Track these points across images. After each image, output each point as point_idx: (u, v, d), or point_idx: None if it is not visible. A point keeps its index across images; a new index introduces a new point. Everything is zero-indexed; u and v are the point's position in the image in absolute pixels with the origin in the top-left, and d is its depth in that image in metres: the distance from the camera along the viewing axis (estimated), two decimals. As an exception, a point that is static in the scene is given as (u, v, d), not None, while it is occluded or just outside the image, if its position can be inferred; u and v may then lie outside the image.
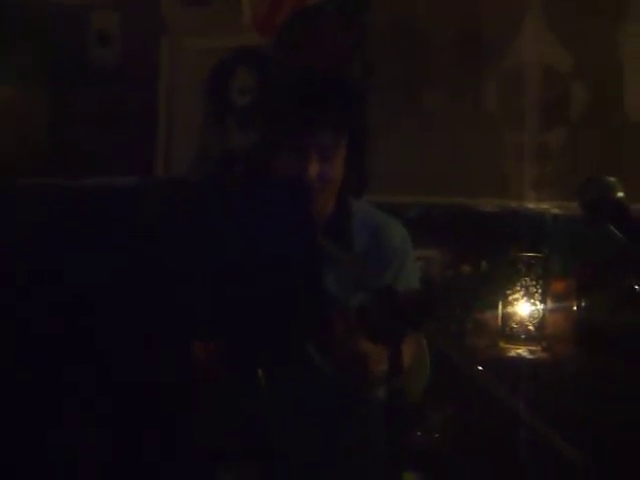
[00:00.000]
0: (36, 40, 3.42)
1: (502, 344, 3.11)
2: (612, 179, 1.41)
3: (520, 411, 1.68)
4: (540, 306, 3.10)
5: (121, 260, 1.43)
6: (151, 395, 1.62)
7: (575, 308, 3.09)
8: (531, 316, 3.10)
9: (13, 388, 1.46)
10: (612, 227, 1.37)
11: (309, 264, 1.48)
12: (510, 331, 3.11)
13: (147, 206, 1.40)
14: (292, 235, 1.47)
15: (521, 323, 3.11)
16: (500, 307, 3.13)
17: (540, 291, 3.10)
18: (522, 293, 3.10)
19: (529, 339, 3.09)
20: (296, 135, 1.91)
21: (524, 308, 3.11)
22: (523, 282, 3.10)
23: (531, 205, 3.29)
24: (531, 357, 3.05)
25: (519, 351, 3.08)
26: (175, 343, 1.60)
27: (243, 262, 1.47)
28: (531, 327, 3.10)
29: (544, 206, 3.26)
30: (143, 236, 1.41)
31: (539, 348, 3.08)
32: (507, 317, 3.11)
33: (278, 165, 1.94)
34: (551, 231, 3.21)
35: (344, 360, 1.80)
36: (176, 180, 2.19)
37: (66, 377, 1.45)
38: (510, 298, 3.11)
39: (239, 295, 1.52)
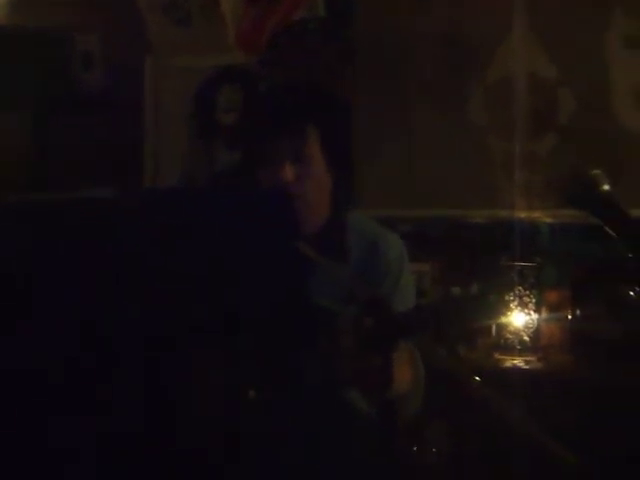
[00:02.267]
0: (20, 65, 3.40)
1: (497, 355, 3.08)
2: (597, 172, 1.38)
3: (518, 421, 1.65)
4: (534, 316, 3.08)
5: (103, 271, 1.40)
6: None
7: (570, 317, 3.06)
8: (526, 326, 3.08)
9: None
10: (601, 222, 1.34)
11: (290, 274, 1.46)
12: (505, 342, 3.09)
13: (124, 216, 1.37)
14: (272, 246, 1.44)
15: (516, 333, 3.08)
16: (494, 318, 3.10)
17: (534, 301, 3.08)
18: (515, 303, 3.08)
19: (524, 349, 3.07)
20: (267, 145, 1.92)
21: (518, 318, 3.08)
22: (517, 292, 3.08)
23: (522, 214, 3.27)
24: (527, 367, 3.02)
25: (514, 362, 3.05)
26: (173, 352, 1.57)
27: (224, 274, 1.44)
28: (526, 337, 3.08)
29: (535, 215, 3.24)
30: (122, 249, 1.38)
31: (535, 358, 3.05)
32: (501, 327, 3.09)
33: (260, 178, 1.94)
34: (543, 240, 3.19)
35: (334, 373, 1.77)
36: (152, 190, 2.18)
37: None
38: (503, 309, 3.09)
39: (223, 309, 1.49)
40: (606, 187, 1.35)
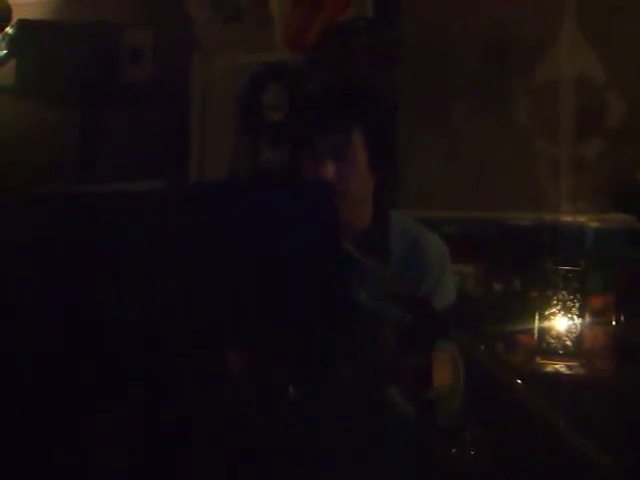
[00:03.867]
0: (69, 58, 3.45)
1: (539, 359, 3.04)
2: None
3: (558, 426, 1.64)
4: (578, 321, 3.04)
5: (143, 266, 1.42)
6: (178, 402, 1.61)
7: (614, 323, 3.02)
8: (568, 331, 3.04)
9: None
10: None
11: (331, 270, 1.46)
12: (547, 346, 3.05)
13: (166, 211, 1.39)
14: (314, 240, 1.44)
15: (558, 338, 3.05)
16: (536, 321, 3.07)
17: (577, 305, 3.04)
18: (559, 307, 3.04)
19: (566, 354, 3.03)
20: (312, 141, 1.93)
21: (561, 323, 3.04)
22: (560, 296, 3.04)
23: (568, 218, 3.24)
24: (569, 373, 2.99)
25: (556, 367, 3.01)
26: (205, 352, 1.58)
27: (265, 269, 1.45)
28: (569, 342, 3.04)
29: (581, 219, 3.21)
30: (163, 241, 1.40)
31: (577, 364, 3.01)
32: (544, 332, 3.05)
33: (304, 175, 1.95)
34: (589, 244, 3.15)
35: (376, 373, 1.78)
36: (197, 184, 2.19)
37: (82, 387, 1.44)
38: (547, 312, 3.06)
39: (262, 304, 1.50)
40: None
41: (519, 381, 1.51)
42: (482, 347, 2.22)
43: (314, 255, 1.49)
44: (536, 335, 3.07)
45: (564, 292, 3.04)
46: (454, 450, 2.84)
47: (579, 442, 1.49)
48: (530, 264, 3.14)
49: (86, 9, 3.70)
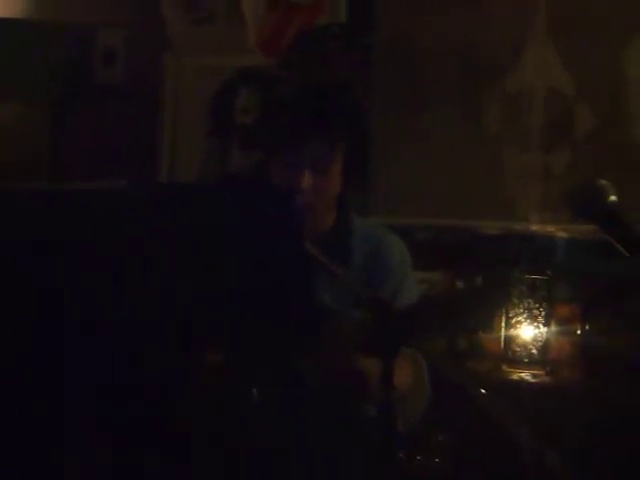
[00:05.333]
0: (41, 58, 3.42)
1: (504, 367, 3.06)
2: (605, 182, 1.37)
3: (522, 435, 1.64)
4: (544, 329, 3.06)
5: (110, 266, 1.40)
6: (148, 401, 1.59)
7: (579, 332, 3.04)
8: (534, 339, 3.06)
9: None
10: (605, 233, 1.33)
11: (296, 275, 1.46)
12: (513, 354, 3.07)
13: (134, 209, 1.38)
14: (279, 246, 1.44)
15: (524, 346, 3.06)
16: (503, 330, 3.08)
17: (544, 314, 3.06)
18: (525, 316, 3.06)
19: (532, 363, 3.05)
20: (290, 148, 1.90)
21: (527, 331, 3.06)
22: (526, 304, 3.06)
23: (536, 228, 3.26)
24: (534, 381, 3.00)
25: (522, 375, 3.03)
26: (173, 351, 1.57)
27: (229, 271, 1.44)
28: (534, 350, 3.06)
29: (549, 229, 3.23)
30: (131, 241, 1.38)
31: (542, 372, 3.03)
32: (510, 340, 3.07)
33: (277, 181, 1.93)
34: (556, 254, 3.17)
35: (337, 375, 1.78)
36: (163, 184, 2.18)
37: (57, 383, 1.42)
38: (513, 321, 3.07)
39: (225, 305, 1.49)
40: (613, 198, 1.34)
41: (483, 391, 1.51)
42: (446, 354, 2.22)
43: (277, 257, 1.48)
44: (502, 343, 3.09)
45: (530, 300, 3.06)
46: (419, 457, 2.84)
47: (542, 451, 1.49)
48: (498, 272, 3.16)
49: (58, 9, 3.67)
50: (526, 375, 3.03)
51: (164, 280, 1.44)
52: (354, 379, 1.74)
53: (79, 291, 1.42)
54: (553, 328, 3.07)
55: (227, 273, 1.47)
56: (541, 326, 3.06)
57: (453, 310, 3.00)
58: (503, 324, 3.08)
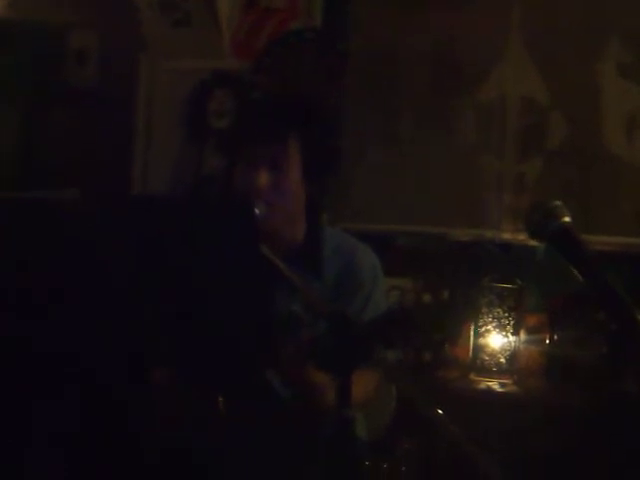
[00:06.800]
0: (10, 57, 3.39)
1: (472, 376, 3.06)
2: (557, 203, 1.37)
3: (478, 457, 1.63)
4: (512, 338, 3.06)
5: (64, 277, 1.39)
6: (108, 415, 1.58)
7: (547, 341, 3.05)
8: (503, 348, 3.06)
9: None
10: (559, 255, 1.33)
11: (253, 285, 1.45)
12: (481, 363, 3.07)
13: (85, 220, 1.36)
14: (236, 254, 1.43)
15: (492, 355, 3.06)
16: (471, 338, 3.08)
17: (512, 323, 3.06)
18: (494, 324, 3.06)
19: (500, 372, 3.05)
20: (247, 149, 1.94)
21: (496, 340, 3.06)
22: (495, 313, 3.06)
23: (507, 236, 3.26)
24: (501, 390, 3.01)
25: (489, 384, 3.03)
26: (130, 367, 1.56)
27: (186, 283, 1.43)
28: (502, 359, 3.06)
29: (520, 237, 3.23)
30: (84, 251, 1.37)
31: (510, 381, 3.04)
32: (478, 349, 3.07)
33: (238, 183, 1.94)
34: (526, 263, 3.17)
35: (295, 388, 1.77)
36: (118, 194, 2.16)
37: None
38: (482, 329, 3.07)
39: (188, 318, 1.48)
40: (567, 219, 1.34)
41: (440, 411, 1.50)
42: (405, 371, 2.21)
43: (235, 268, 1.47)
44: (471, 352, 3.09)
45: (499, 309, 3.06)
46: (385, 465, 2.84)
47: (481, 460, 1.48)
48: (467, 280, 3.16)
49: (31, 7, 3.64)
50: (494, 384, 3.03)
51: (115, 292, 1.43)
52: (310, 391, 1.74)
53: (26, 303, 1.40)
54: (522, 337, 3.07)
55: (183, 285, 1.46)
56: (510, 335, 3.06)
57: (419, 325, 3.01)
58: (472, 332, 3.09)
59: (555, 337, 3.02)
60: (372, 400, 1.90)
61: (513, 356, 3.06)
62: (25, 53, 3.44)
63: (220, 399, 1.86)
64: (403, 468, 2.90)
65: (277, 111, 1.99)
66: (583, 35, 3.23)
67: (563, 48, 3.24)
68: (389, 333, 1.61)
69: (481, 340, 3.06)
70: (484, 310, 3.06)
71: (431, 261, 3.29)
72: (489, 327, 3.07)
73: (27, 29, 3.50)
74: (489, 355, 3.07)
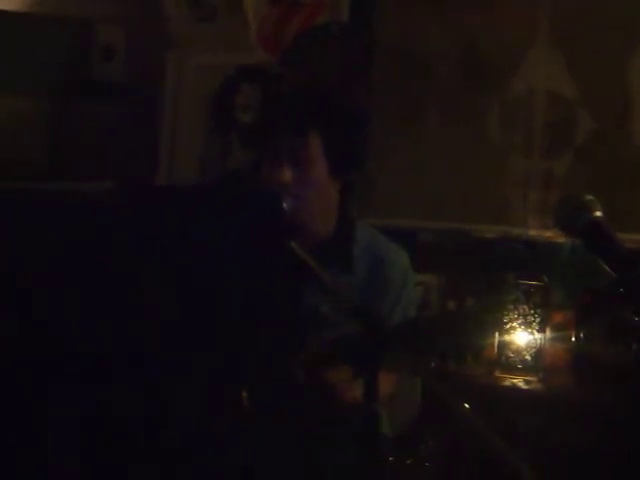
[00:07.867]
0: (40, 52, 3.41)
1: (497, 373, 3.04)
2: (589, 197, 1.35)
3: (506, 454, 1.62)
4: (538, 336, 3.04)
5: (87, 267, 1.40)
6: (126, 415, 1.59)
7: (573, 339, 3.02)
8: (528, 345, 3.04)
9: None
10: (590, 251, 1.31)
11: (280, 278, 1.45)
12: (506, 360, 3.05)
13: (114, 212, 1.37)
14: (265, 249, 1.43)
15: (518, 352, 3.04)
16: (497, 335, 3.06)
17: (538, 320, 3.04)
18: (520, 322, 3.04)
19: (525, 369, 3.03)
20: (271, 144, 1.94)
21: (521, 337, 3.04)
22: (521, 310, 3.04)
23: (534, 233, 3.24)
24: (527, 387, 2.99)
25: (515, 381, 3.01)
26: (153, 358, 1.56)
27: (216, 276, 1.44)
28: (528, 357, 3.04)
29: (547, 234, 3.21)
30: (111, 243, 1.38)
31: (535, 379, 3.02)
32: (503, 346, 3.05)
33: (263, 177, 1.94)
34: (552, 260, 3.15)
35: (312, 387, 1.77)
36: (150, 186, 2.17)
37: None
38: (507, 326, 3.05)
39: (213, 311, 1.49)
40: (598, 213, 1.32)
41: (467, 405, 1.49)
42: (432, 365, 2.20)
43: (262, 261, 1.47)
44: (496, 349, 3.07)
45: (525, 306, 3.04)
46: (409, 462, 2.83)
47: (508, 457, 1.48)
48: (494, 277, 3.14)
49: (58, 3, 3.66)
50: (519, 381, 3.01)
51: (148, 282, 1.44)
52: (327, 392, 1.74)
53: (62, 292, 1.41)
54: (548, 334, 3.05)
55: (210, 277, 1.47)
56: (535, 332, 3.04)
57: (451, 325, 2.99)
58: (498, 329, 3.06)
59: (581, 334, 3.00)
60: (395, 396, 1.90)
61: (539, 353, 3.04)
62: (53, 48, 3.45)
63: (244, 394, 1.86)
64: (427, 464, 2.89)
65: (298, 105, 1.99)
66: (613, 30, 3.19)
67: (592, 44, 3.21)
68: (413, 342, 1.61)
69: (506, 337, 3.04)
70: (510, 307, 3.04)
71: (456, 258, 3.28)
72: (514, 324, 3.05)
73: (55, 25, 3.51)
74: (514, 352, 3.05)
